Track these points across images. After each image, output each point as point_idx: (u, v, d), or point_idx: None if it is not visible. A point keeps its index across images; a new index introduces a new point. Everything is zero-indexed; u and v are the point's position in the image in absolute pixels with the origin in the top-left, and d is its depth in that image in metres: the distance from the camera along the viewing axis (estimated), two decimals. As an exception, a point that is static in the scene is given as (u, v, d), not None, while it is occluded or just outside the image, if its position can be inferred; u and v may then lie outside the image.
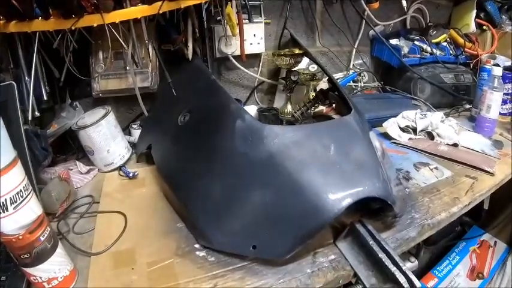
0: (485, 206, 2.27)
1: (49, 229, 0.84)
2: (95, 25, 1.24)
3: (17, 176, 0.76)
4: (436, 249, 2.26)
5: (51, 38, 1.28)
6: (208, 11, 1.46)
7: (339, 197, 0.88)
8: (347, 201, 0.88)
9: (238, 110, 1.10)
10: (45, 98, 1.40)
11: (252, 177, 0.98)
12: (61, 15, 1.21)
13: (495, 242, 2.29)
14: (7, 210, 0.74)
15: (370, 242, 0.93)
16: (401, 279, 0.84)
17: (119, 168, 1.45)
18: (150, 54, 1.49)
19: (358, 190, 0.91)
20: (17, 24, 1.22)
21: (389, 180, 1.06)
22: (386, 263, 0.88)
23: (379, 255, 0.90)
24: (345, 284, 0.96)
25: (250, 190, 0.97)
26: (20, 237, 0.76)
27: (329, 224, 0.97)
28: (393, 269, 0.86)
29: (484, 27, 2.42)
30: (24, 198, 0.77)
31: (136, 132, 1.61)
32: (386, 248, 0.91)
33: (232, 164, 1.03)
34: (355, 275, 0.93)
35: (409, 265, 0.89)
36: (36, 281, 0.83)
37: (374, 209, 1.08)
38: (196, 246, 1.01)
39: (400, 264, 0.87)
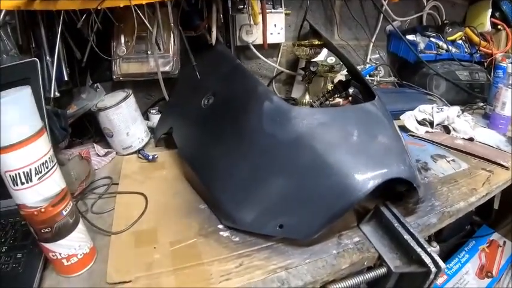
0: (495, 206, 2.25)
1: (71, 204, 0.83)
2: (121, 5, 1.22)
3: (43, 146, 0.75)
4: (446, 247, 2.26)
5: (75, 18, 1.27)
6: (232, -1, 1.47)
7: (369, 177, 0.89)
8: (376, 181, 0.88)
9: (266, 92, 1.10)
10: (66, 79, 1.40)
11: (279, 157, 0.98)
12: (87, -6, 1.20)
13: (504, 242, 2.28)
14: (31, 181, 0.72)
15: (395, 224, 0.93)
16: (427, 260, 0.84)
17: (138, 151, 1.45)
18: (175, 38, 1.49)
19: (386, 171, 0.91)
20: (43, 2, 1.19)
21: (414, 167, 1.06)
22: (411, 245, 0.88)
23: (405, 236, 0.90)
24: (368, 266, 0.96)
25: (278, 170, 0.97)
26: (43, 210, 0.75)
27: (355, 205, 0.97)
28: (418, 250, 0.87)
29: (499, 26, 2.42)
30: (49, 170, 0.76)
31: (154, 117, 1.61)
32: (412, 230, 0.91)
33: (260, 144, 1.03)
34: (379, 257, 0.93)
35: (433, 249, 0.89)
36: (55, 257, 0.82)
37: (395, 195, 1.08)
38: (220, 226, 1.01)
39: (425, 246, 0.87)
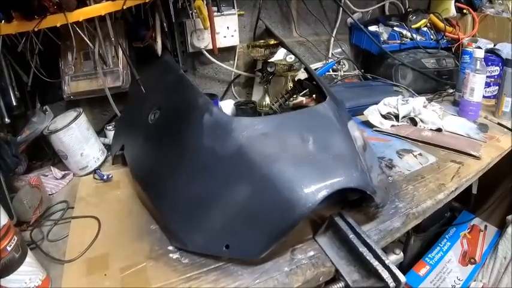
0: (474, 191, 2.26)
1: (16, 238, 0.81)
2: (58, 25, 1.19)
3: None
4: (427, 236, 2.25)
5: (16, 41, 1.24)
6: (177, 4, 1.42)
7: (313, 190, 0.85)
8: (322, 194, 0.84)
9: (206, 104, 1.06)
10: (14, 104, 1.36)
11: (221, 173, 0.95)
12: (23, 17, 1.17)
13: (485, 226, 2.28)
14: (-33, 222, 0.70)
15: (350, 236, 0.90)
16: (384, 274, 0.80)
17: (94, 171, 1.40)
18: (122, 51, 1.45)
19: (333, 181, 0.87)
20: (-21, 29, 1.18)
21: (370, 170, 1.03)
22: (367, 258, 0.84)
23: (360, 249, 0.86)
24: (327, 280, 0.92)
25: (220, 187, 0.94)
26: (-16, 248, 0.73)
27: (306, 219, 0.94)
28: (375, 263, 0.83)
29: (465, 10, 2.40)
30: (-14, 209, 0.74)
31: (111, 134, 1.56)
32: (368, 241, 0.87)
33: (202, 160, 1.00)
34: (337, 271, 0.89)
35: (394, 258, 0.85)
36: (8, 292, 0.80)
37: (356, 200, 1.05)
38: (170, 248, 0.98)
39: (383, 258, 0.83)
